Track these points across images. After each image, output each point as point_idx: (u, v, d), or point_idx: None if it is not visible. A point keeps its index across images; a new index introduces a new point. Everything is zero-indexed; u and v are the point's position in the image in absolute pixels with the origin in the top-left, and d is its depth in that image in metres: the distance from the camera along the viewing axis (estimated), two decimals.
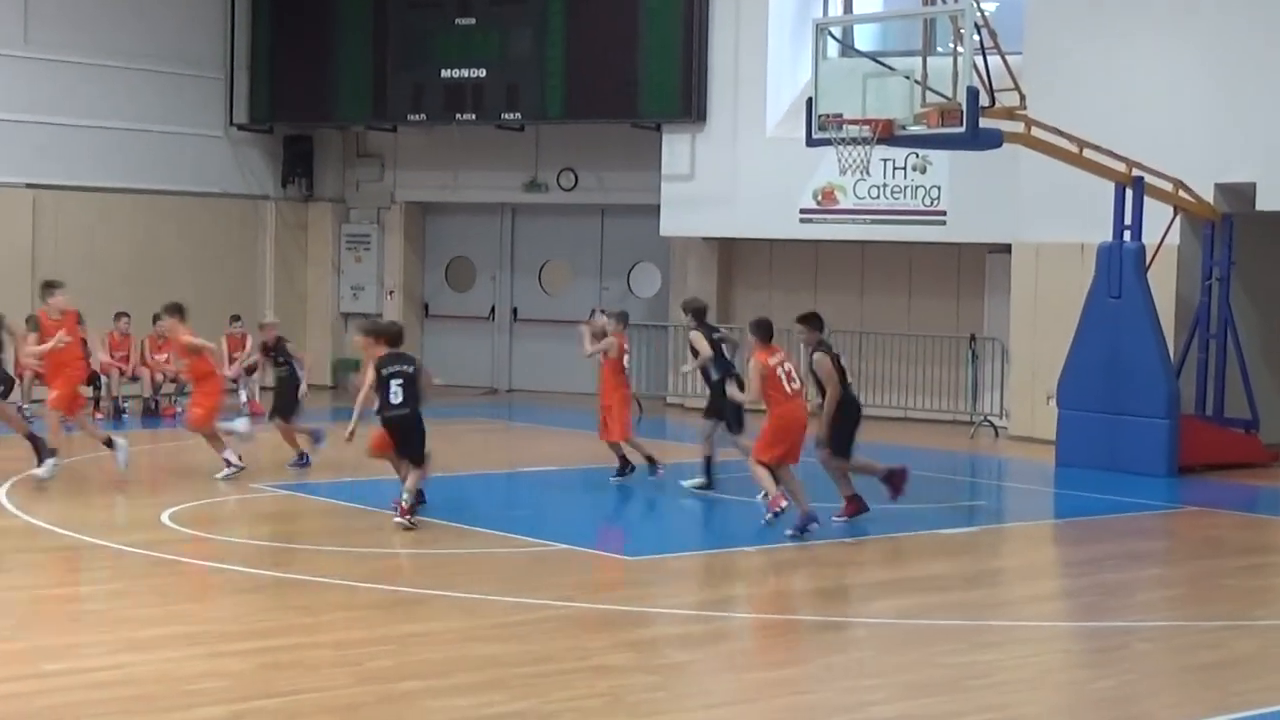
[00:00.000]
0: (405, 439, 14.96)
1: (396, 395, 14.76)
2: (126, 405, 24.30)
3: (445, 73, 26.95)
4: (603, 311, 18.96)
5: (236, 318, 25.69)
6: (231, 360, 25.06)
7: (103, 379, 24.31)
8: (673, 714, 9.46)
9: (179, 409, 24.46)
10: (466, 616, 11.58)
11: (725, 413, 17.05)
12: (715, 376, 17.27)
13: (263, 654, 10.36)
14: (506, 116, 26.81)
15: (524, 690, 9.64)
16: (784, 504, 14.42)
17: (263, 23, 28.39)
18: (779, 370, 14.66)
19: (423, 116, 27.34)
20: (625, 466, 17.90)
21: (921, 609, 12.18)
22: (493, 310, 29.35)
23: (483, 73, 26.71)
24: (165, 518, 15.06)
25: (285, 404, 18.84)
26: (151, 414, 24.24)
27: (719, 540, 14.77)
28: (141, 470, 18.32)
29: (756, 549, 14.40)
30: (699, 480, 17.34)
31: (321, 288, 29.62)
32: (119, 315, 24.69)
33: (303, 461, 18.27)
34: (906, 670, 10.38)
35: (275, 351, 19.31)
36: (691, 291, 26.79)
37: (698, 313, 17.86)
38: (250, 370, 24.95)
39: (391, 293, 29.37)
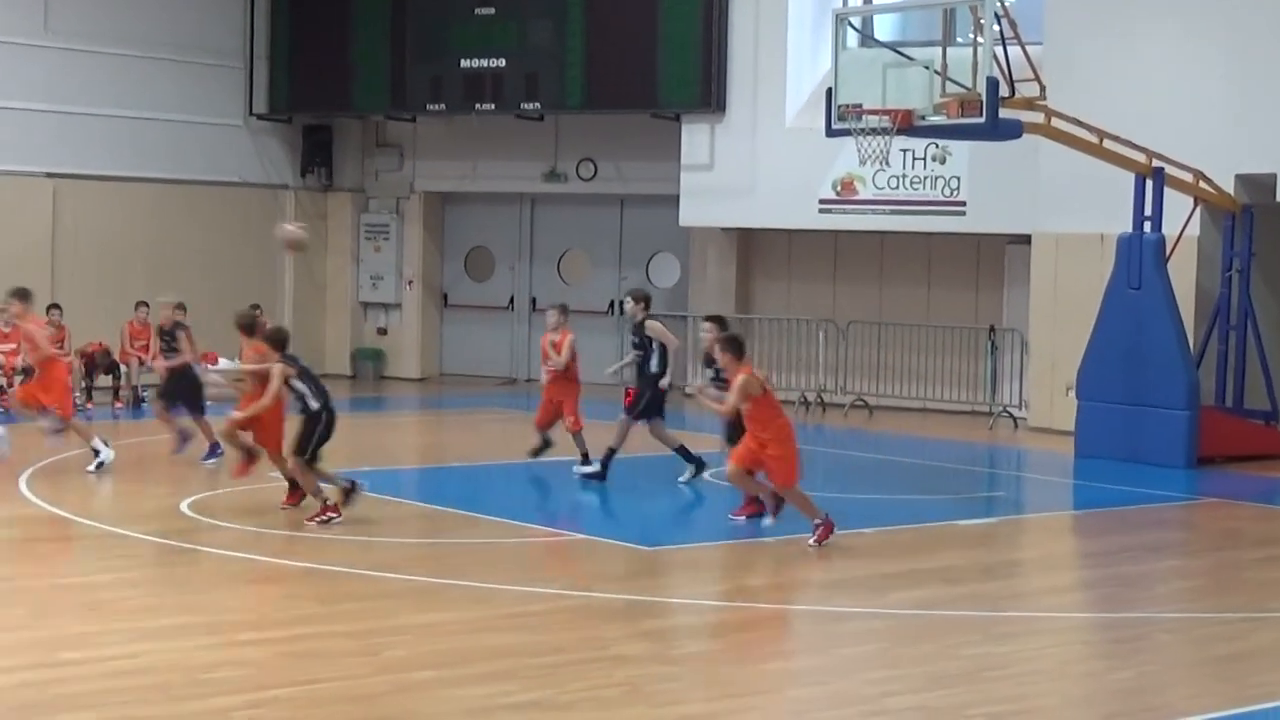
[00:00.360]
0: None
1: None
2: (146, 394, 24.30)
3: (465, 62, 26.94)
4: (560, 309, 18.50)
5: (256, 307, 25.68)
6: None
7: (122, 368, 24.36)
8: (689, 704, 9.44)
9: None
10: (482, 606, 11.58)
11: (659, 408, 17.19)
12: (656, 370, 17.16)
13: (279, 643, 10.37)
14: (526, 106, 26.80)
15: (540, 680, 9.64)
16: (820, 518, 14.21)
17: (282, 12, 28.40)
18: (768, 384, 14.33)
19: (442, 106, 27.33)
20: (587, 457, 17.88)
21: (939, 600, 12.15)
22: (512, 300, 29.34)
23: (502, 62, 26.70)
24: (184, 507, 15.09)
25: (173, 389, 18.39)
26: None
27: (736, 531, 14.73)
28: (159, 460, 18.33)
29: (773, 540, 14.38)
30: (594, 468, 17.28)
31: (340, 277, 29.64)
32: (138, 305, 24.71)
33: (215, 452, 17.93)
34: (924, 661, 10.36)
35: (169, 336, 18.90)
36: (711, 282, 26.83)
37: (649, 301, 17.73)
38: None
39: (411, 282, 29.39)
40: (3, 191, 25.21)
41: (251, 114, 28.46)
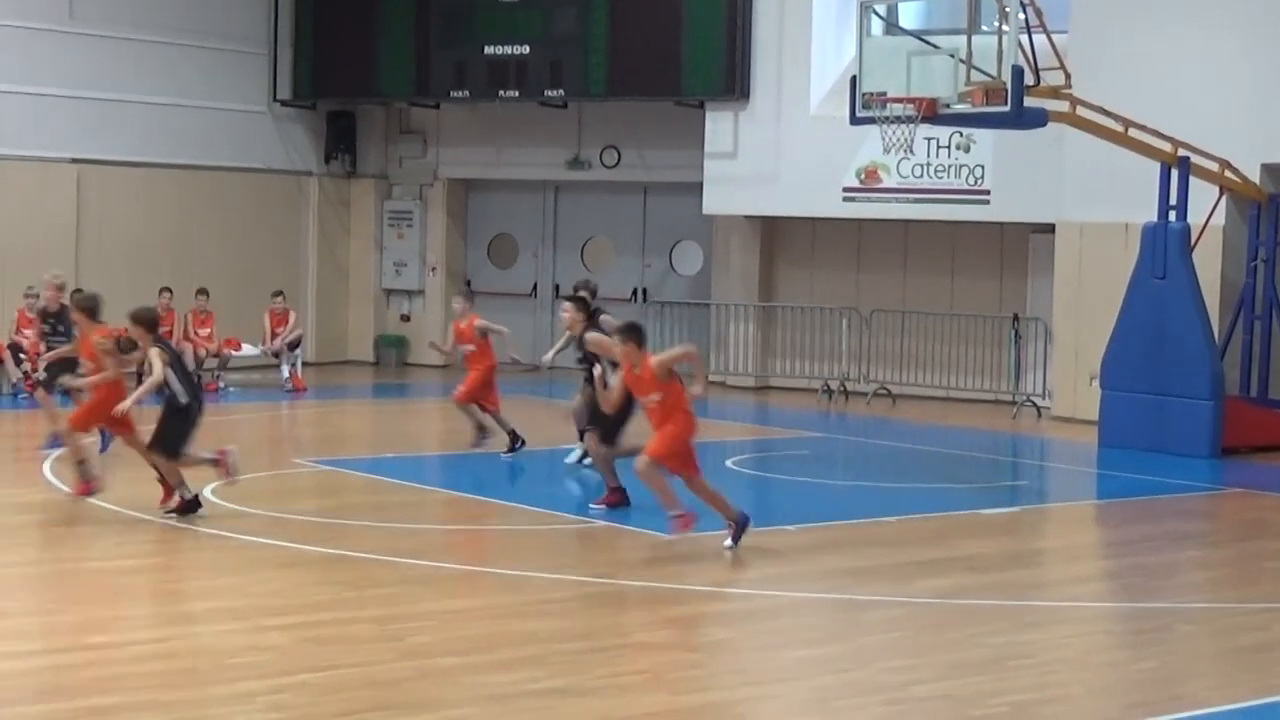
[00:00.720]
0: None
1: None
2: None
3: (488, 49, 26.95)
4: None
5: (279, 293, 25.80)
6: (274, 335, 25.24)
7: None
8: (712, 691, 9.47)
9: (221, 384, 24.60)
10: (507, 592, 11.61)
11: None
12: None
13: (305, 628, 10.41)
14: (549, 94, 26.80)
15: (564, 667, 9.67)
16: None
17: None
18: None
19: (466, 93, 27.34)
20: (516, 440, 18.06)
21: (962, 589, 12.16)
22: (535, 287, 29.36)
23: (526, 49, 26.70)
24: (208, 492, 15.12)
25: (58, 376, 17.56)
26: None
27: (760, 518, 14.70)
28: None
29: (796, 528, 14.40)
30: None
31: (364, 264, 29.68)
32: (162, 290, 24.77)
33: (55, 444, 16.99)
34: (947, 650, 10.37)
35: (56, 320, 18.06)
36: (735, 270, 26.83)
37: (587, 302, 16.80)
38: (293, 346, 25.10)
39: (434, 269, 29.42)
40: (28, 178, 25.27)
41: (275, 100, 28.50)
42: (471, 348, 18.26)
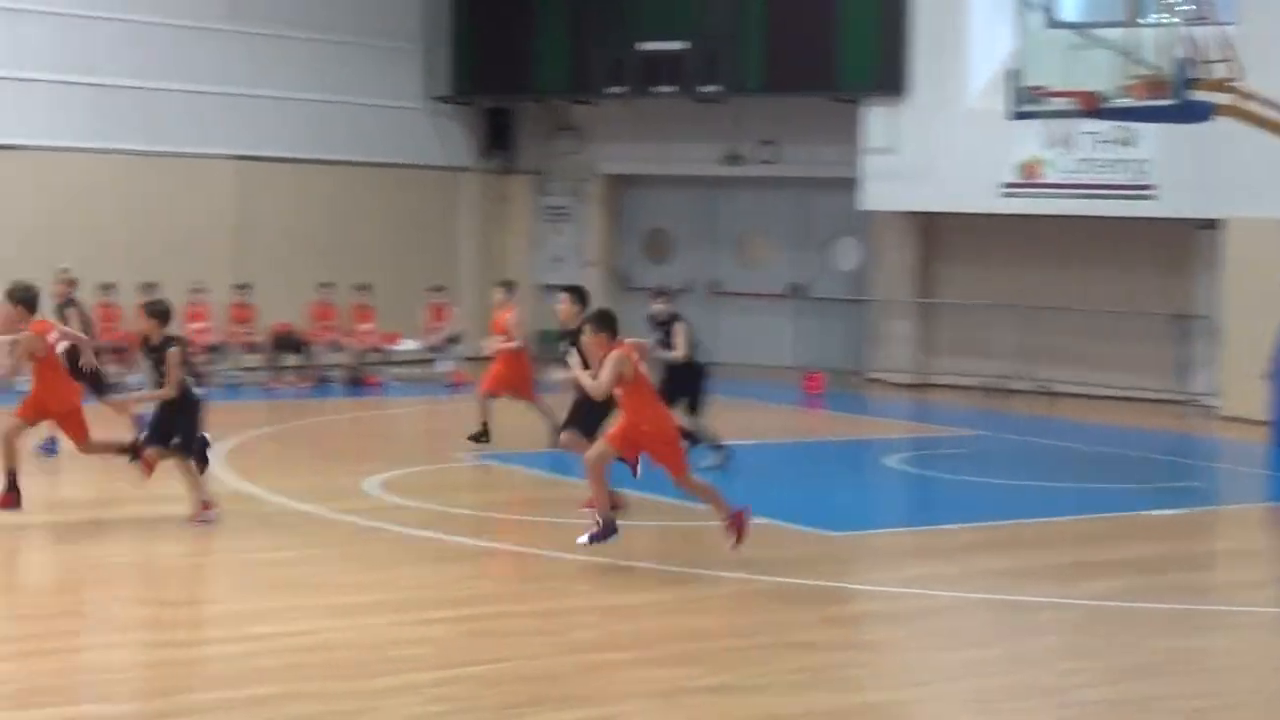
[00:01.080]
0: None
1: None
2: (331, 374, 24.63)
3: (644, 45, 26.91)
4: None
5: (439, 288, 25.96)
6: (432, 330, 25.43)
7: (307, 348, 24.76)
8: (874, 691, 9.35)
9: (382, 378, 24.82)
10: (667, 589, 11.55)
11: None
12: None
13: (465, 622, 10.43)
14: (705, 89, 26.71)
15: (725, 664, 9.60)
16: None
17: None
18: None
19: (622, 89, 27.32)
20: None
21: (1129, 591, 11.90)
22: (691, 284, 29.29)
23: (682, 45, 26.63)
24: (368, 486, 15.23)
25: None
26: (355, 383, 24.54)
27: (920, 517, 14.57)
28: (345, 438, 18.53)
29: (958, 527, 14.21)
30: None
31: (520, 260, 29.78)
32: (322, 285, 25.08)
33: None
34: (1113, 653, 10.16)
35: (60, 313, 17.14)
36: (892, 266, 26.59)
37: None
38: (452, 340, 25.26)
39: (591, 265, 29.45)
40: (187, 174, 25.64)
41: (432, 97, 28.68)
42: (504, 339, 17.96)
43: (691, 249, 29.37)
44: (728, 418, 22.52)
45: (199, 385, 13.69)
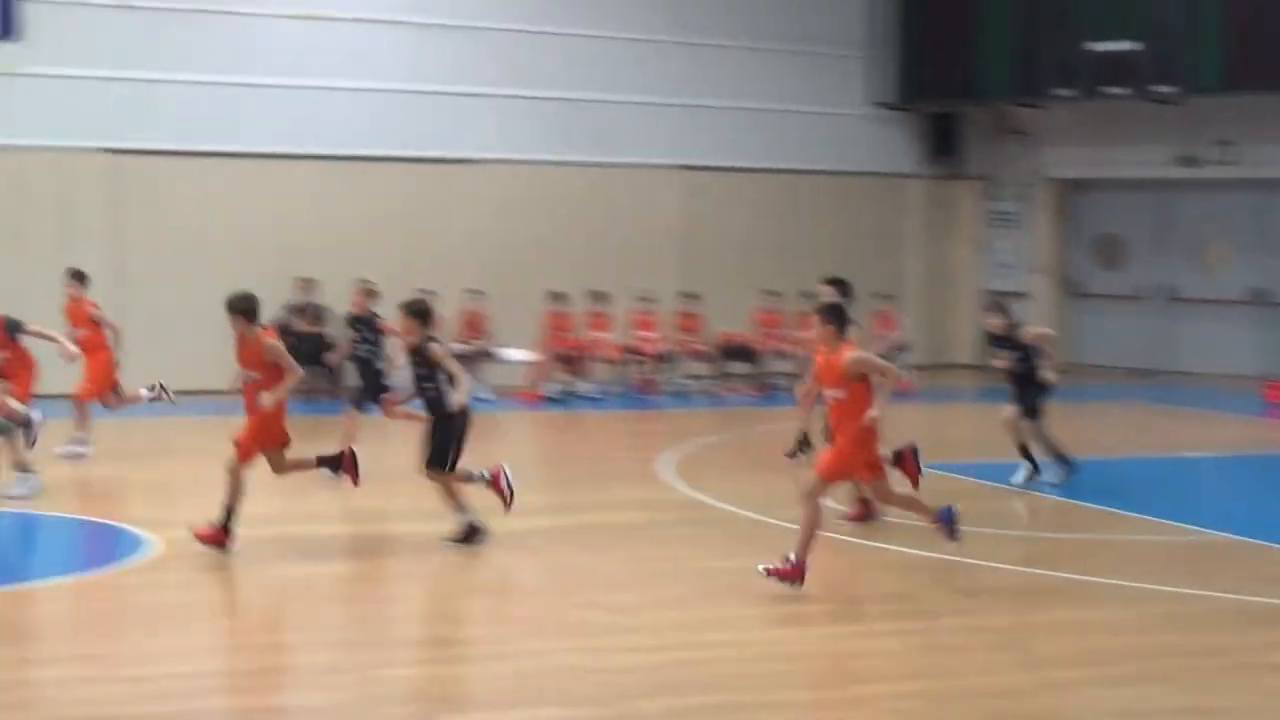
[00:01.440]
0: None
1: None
2: (777, 382, 24.70)
3: (1094, 45, 26.19)
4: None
5: (887, 296, 25.78)
6: (879, 339, 25.30)
7: (754, 356, 24.94)
8: None
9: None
10: (1130, 605, 11.14)
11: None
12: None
13: (921, 634, 10.25)
14: (1159, 89, 25.83)
15: (1194, 685, 9.19)
16: None
17: (907, 0, 28.39)
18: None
19: (1070, 91, 26.63)
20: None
21: None
22: (1146, 290, 28.39)
23: (1133, 44, 25.82)
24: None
25: (366, 384, 16.49)
26: None
27: None
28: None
29: None
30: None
31: (967, 266, 29.38)
32: (768, 293, 25.21)
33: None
34: None
35: (361, 324, 16.59)
36: None
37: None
38: (900, 348, 25.04)
39: (1039, 272, 28.85)
40: (636, 183, 26.15)
41: (875, 103, 28.53)
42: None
43: (1145, 254, 28.46)
44: (1187, 428, 21.76)
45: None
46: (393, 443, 16.87)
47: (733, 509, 14.49)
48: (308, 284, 23.58)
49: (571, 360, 24.12)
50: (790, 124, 27.59)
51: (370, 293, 16.66)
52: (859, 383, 11.28)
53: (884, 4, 28.43)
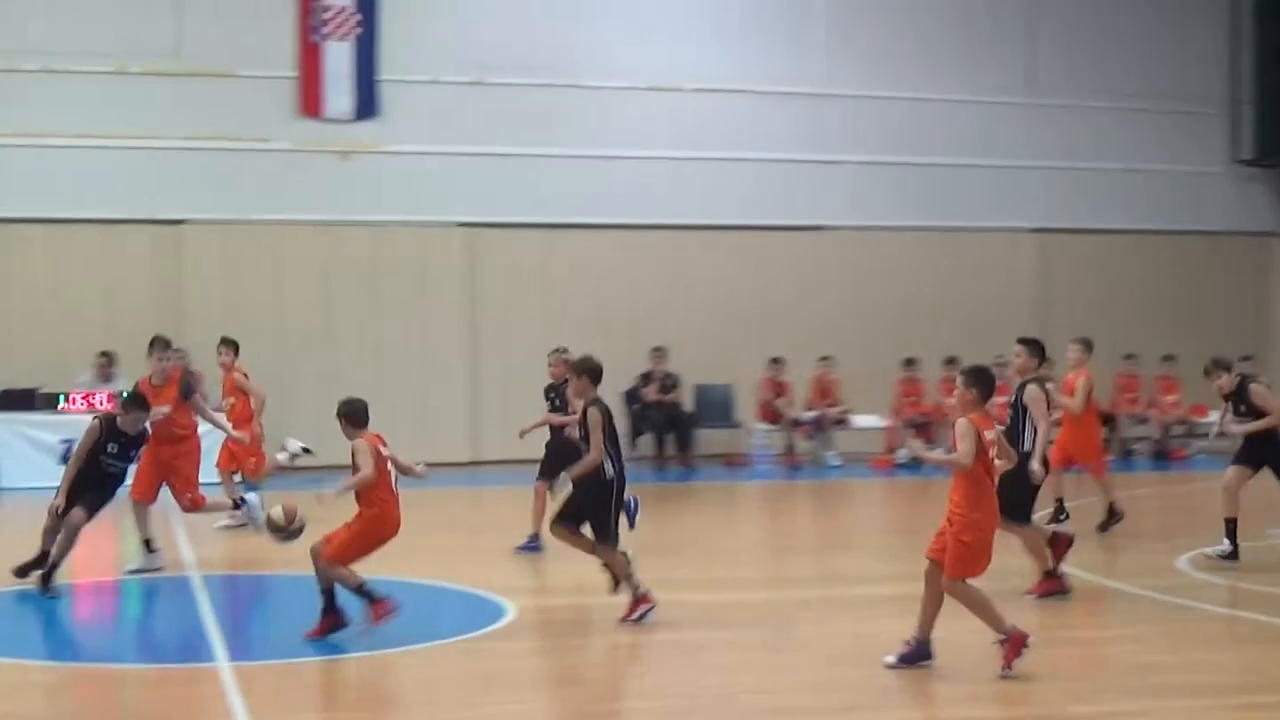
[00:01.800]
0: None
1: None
2: (1136, 447, 24.16)
3: None
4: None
5: (1245, 357, 24.99)
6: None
7: (1114, 420, 24.43)
8: None
9: (1188, 450, 24.10)
10: None
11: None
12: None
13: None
14: None
15: None
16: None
17: (1269, 55, 27.58)
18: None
19: None
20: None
21: None
22: None
23: None
24: (1180, 562, 14.75)
25: (554, 458, 15.22)
26: (1161, 456, 23.97)
27: None
28: (1152, 514, 18.08)
29: None
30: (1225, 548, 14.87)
31: None
32: (1127, 357, 24.69)
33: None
34: None
35: (554, 392, 15.77)
36: None
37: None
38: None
39: None
40: (989, 247, 25.94)
41: (1236, 160, 27.77)
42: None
43: None
44: None
45: (617, 461, 12.11)
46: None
47: (1093, 577, 14.14)
48: (659, 353, 23.91)
49: (923, 426, 23.94)
50: (1148, 183, 27.10)
51: (568, 361, 15.39)
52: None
53: (1246, 60, 27.71)
